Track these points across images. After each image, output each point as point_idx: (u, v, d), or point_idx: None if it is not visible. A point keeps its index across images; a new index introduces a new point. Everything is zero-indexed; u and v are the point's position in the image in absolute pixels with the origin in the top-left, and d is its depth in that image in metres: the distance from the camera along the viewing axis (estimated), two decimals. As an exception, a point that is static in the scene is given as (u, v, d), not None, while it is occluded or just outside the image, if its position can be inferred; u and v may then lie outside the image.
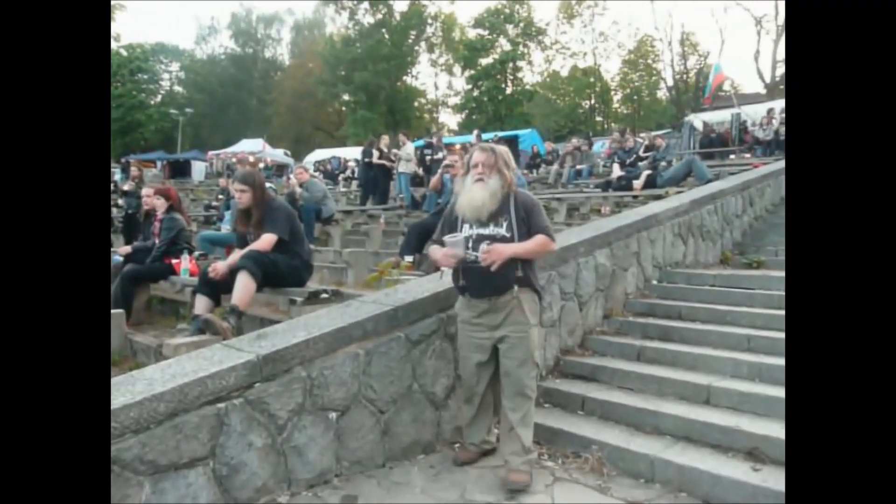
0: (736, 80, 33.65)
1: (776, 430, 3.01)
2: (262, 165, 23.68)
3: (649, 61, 42.08)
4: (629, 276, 5.14)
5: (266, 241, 4.04)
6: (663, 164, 9.82)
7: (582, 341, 4.49)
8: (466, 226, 3.00)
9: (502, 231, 2.94)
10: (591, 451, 3.15)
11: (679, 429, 3.25)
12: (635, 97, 42.76)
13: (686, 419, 3.27)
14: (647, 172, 9.05)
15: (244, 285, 3.88)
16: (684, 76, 40.53)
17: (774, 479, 2.68)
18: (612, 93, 44.20)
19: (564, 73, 44.11)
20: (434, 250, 3.13)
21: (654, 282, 5.45)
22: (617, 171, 10.62)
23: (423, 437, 3.30)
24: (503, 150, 3.08)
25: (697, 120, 18.20)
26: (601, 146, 21.23)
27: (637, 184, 8.93)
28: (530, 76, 42.46)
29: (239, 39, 51.26)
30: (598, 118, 44.14)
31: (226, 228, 8.65)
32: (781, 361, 3.65)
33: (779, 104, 17.46)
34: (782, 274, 5.38)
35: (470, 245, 2.95)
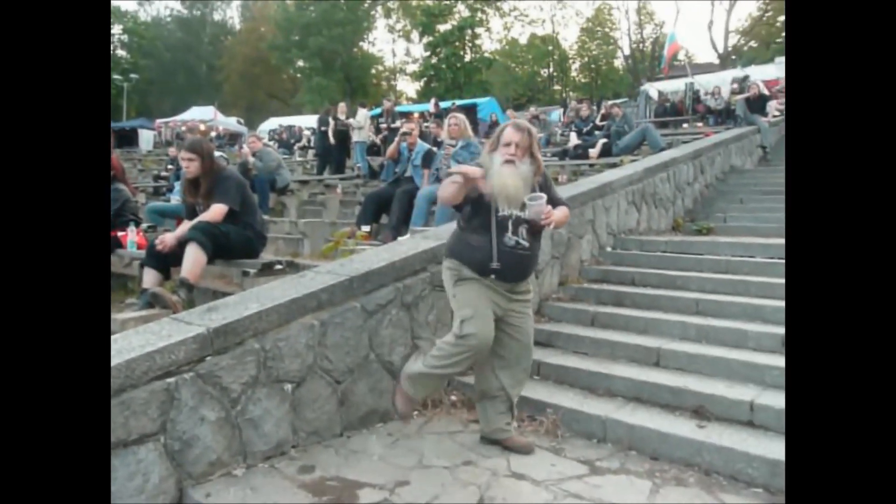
0: (690, 50, 34.11)
1: (721, 388, 3.15)
2: (213, 134, 22.87)
3: (607, 30, 42.17)
4: (584, 244, 5.23)
5: (216, 211, 3.93)
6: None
7: (538, 308, 4.55)
8: (504, 206, 2.75)
9: (539, 217, 2.78)
10: (545, 415, 3.23)
11: (630, 390, 3.36)
12: (593, 66, 42.92)
13: (637, 381, 3.37)
14: (602, 141, 9.15)
15: (194, 257, 3.77)
16: (641, 45, 40.85)
17: (718, 435, 2.81)
18: (571, 61, 44.25)
19: (523, 40, 43.87)
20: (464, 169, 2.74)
21: (609, 249, 5.55)
22: (574, 140, 10.70)
23: (380, 406, 3.31)
24: (535, 131, 2.90)
25: (653, 89, 18.45)
26: (558, 116, 21.38)
27: (593, 152, 9.02)
28: (489, 44, 42.01)
29: (186, 0, 48.85)
30: (557, 87, 44.23)
31: (175, 199, 8.35)
32: (727, 323, 3.81)
33: (730, 74, 17.85)
34: (730, 239, 5.57)
35: (510, 227, 2.75)
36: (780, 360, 3.20)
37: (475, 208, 2.81)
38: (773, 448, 2.62)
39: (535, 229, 2.80)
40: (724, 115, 14.43)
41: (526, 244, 2.77)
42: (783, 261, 4.46)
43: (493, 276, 2.75)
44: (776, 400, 2.91)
